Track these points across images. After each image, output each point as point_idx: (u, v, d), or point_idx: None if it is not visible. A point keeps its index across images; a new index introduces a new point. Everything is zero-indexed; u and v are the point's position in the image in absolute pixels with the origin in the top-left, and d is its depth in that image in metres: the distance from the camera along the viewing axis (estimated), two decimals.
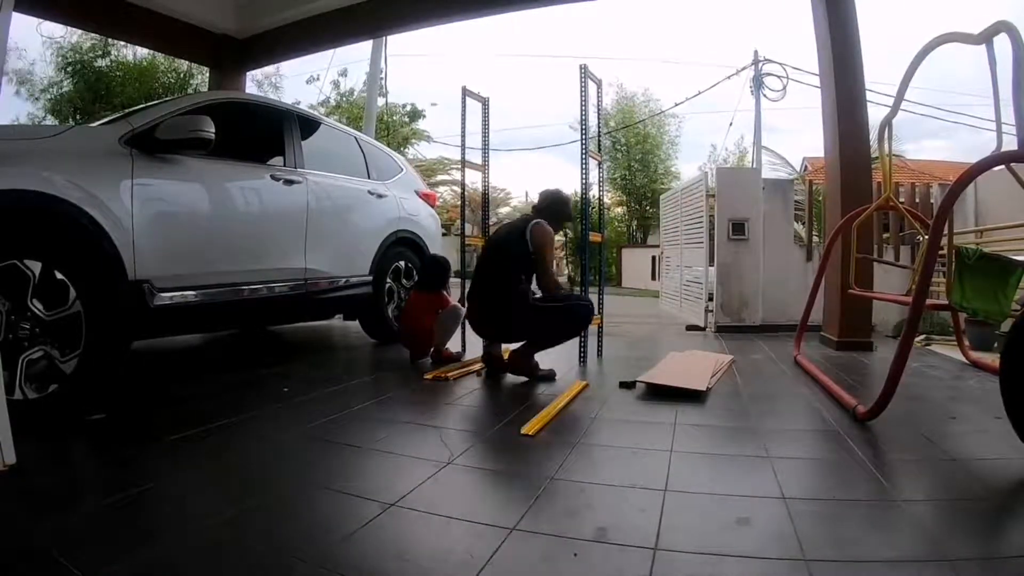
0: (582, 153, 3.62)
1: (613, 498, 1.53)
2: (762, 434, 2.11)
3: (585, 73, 3.61)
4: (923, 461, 1.83)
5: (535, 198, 3.36)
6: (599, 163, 3.92)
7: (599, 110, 3.94)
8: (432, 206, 4.82)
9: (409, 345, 3.56)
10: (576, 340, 3.40)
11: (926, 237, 2.64)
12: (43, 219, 2.14)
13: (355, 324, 4.31)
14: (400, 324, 3.78)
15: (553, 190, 3.32)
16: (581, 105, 3.60)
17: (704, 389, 2.66)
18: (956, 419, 2.34)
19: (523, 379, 3.02)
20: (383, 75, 8.74)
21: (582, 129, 3.61)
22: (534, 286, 3.19)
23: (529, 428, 2.08)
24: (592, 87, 3.67)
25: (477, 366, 3.26)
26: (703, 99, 24.42)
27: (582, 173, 3.66)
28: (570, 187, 3.48)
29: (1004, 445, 1.87)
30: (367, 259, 3.92)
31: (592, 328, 3.55)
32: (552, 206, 3.24)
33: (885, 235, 5.41)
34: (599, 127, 4.23)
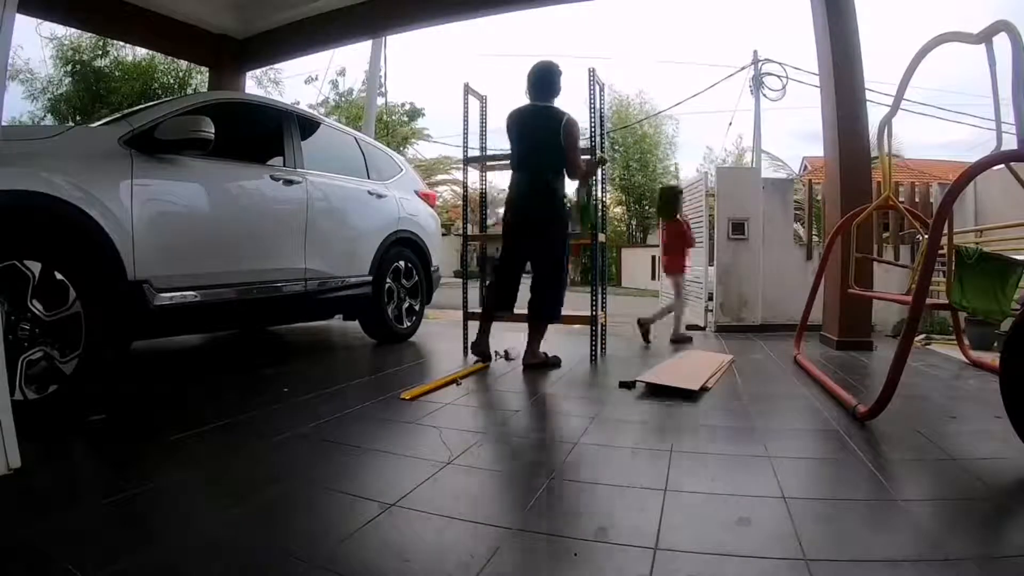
0: (592, 157, 3.63)
1: (613, 498, 1.53)
2: (762, 433, 2.11)
3: (593, 77, 3.62)
4: (923, 460, 1.83)
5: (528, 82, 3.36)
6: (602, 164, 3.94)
7: (601, 112, 3.96)
8: (432, 206, 4.82)
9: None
10: (587, 340, 3.58)
11: (926, 236, 2.64)
12: (43, 219, 2.14)
13: (355, 324, 4.31)
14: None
15: (545, 69, 3.33)
16: (590, 109, 3.63)
17: (696, 389, 2.66)
18: (956, 418, 2.34)
19: (523, 380, 3.05)
20: (383, 75, 8.73)
21: (591, 133, 3.63)
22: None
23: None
24: (598, 90, 3.70)
25: (469, 369, 3.23)
26: (703, 99, 24.39)
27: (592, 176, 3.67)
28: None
29: (1004, 445, 1.87)
30: (367, 259, 3.92)
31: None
32: (555, 87, 3.35)
33: (885, 235, 5.41)
34: (601, 128, 4.26)
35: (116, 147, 2.45)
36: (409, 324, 4.35)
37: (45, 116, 13.92)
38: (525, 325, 3.37)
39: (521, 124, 3.33)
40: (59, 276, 2.12)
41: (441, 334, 4.64)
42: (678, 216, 4.81)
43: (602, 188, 3.84)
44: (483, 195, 4.34)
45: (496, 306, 3.46)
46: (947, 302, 2.44)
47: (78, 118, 13.04)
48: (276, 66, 13.28)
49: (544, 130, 3.24)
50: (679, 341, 4.48)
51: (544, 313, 3.32)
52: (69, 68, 13.64)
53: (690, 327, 5.52)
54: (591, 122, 3.70)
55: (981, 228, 4.90)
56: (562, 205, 3.37)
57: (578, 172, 3.33)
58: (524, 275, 3.49)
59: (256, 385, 2.86)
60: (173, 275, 2.61)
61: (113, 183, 2.37)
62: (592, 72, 3.63)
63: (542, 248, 3.30)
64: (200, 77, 12.46)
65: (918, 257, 3.52)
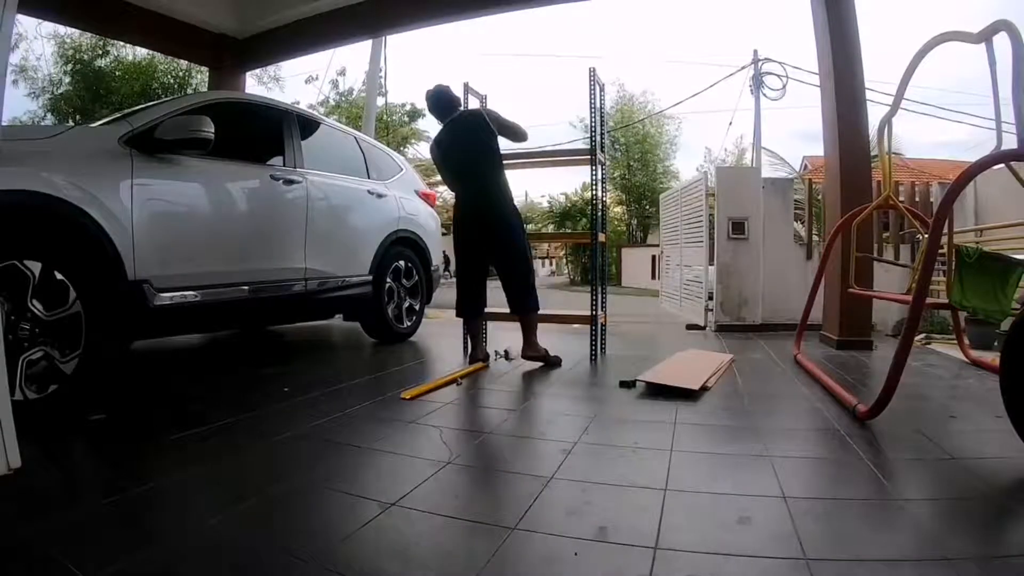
0: (592, 157, 3.63)
1: (613, 497, 1.53)
2: (762, 433, 2.11)
3: (593, 77, 3.62)
4: (923, 460, 1.83)
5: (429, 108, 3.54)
6: (602, 164, 3.94)
7: (602, 112, 3.96)
8: (432, 206, 4.82)
9: None
10: (587, 340, 3.59)
11: (926, 236, 2.64)
12: (43, 219, 2.14)
13: (355, 324, 4.31)
14: None
15: (439, 92, 3.47)
16: (590, 109, 3.63)
17: (696, 388, 2.66)
18: (956, 418, 2.34)
19: (522, 379, 3.04)
20: (383, 75, 8.72)
21: (591, 133, 3.63)
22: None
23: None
24: (598, 90, 3.69)
25: (469, 368, 3.21)
26: (703, 98, 24.43)
27: (592, 176, 3.69)
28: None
29: (1004, 444, 1.86)
30: (367, 259, 3.92)
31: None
32: (455, 101, 3.52)
33: (885, 234, 5.41)
34: (602, 127, 4.26)
35: (116, 147, 2.45)
36: (409, 324, 4.35)
37: (45, 115, 13.93)
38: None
39: (448, 142, 3.41)
40: (59, 276, 2.12)
41: (441, 334, 4.64)
42: None
43: (602, 188, 3.83)
44: None
45: (469, 314, 3.49)
46: (947, 302, 2.44)
47: (78, 118, 13.04)
48: (276, 65, 13.31)
49: (471, 134, 3.34)
50: None
51: (526, 305, 3.35)
52: (69, 68, 13.65)
53: (690, 327, 5.53)
54: (592, 121, 3.70)
55: (981, 228, 4.90)
56: (510, 199, 3.44)
57: (522, 133, 3.46)
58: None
59: (256, 385, 2.86)
60: (173, 275, 2.61)
61: (113, 183, 2.38)
62: (592, 71, 3.63)
63: (504, 245, 3.34)
64: (200, 77, 12.47)
65: (918, 256, 3.51)
